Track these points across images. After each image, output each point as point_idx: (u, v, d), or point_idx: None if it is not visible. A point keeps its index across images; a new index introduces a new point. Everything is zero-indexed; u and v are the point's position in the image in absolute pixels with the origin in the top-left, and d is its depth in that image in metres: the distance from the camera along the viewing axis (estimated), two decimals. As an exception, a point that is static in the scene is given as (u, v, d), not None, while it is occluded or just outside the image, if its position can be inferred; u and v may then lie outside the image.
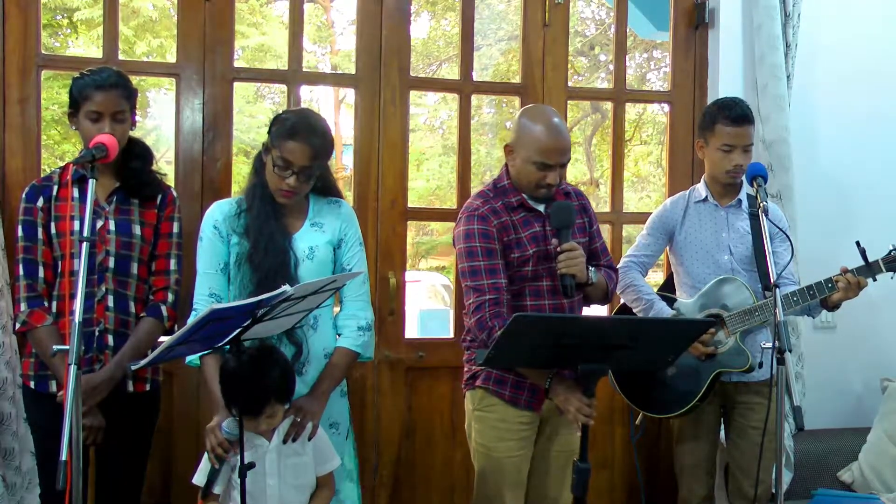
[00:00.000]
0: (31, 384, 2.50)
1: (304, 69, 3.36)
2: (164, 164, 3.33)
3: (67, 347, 2.03)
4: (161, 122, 11.67)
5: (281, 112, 2.47)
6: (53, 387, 2.46)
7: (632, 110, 12.82)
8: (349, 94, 11.45)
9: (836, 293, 2.70)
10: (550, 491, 2.62)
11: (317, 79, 6.58)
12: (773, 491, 2.63)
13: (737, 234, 2.90)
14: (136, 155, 2.55)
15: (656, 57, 13.91)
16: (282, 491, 2.24)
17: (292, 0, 3.27)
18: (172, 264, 2.56)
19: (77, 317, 2.01)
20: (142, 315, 2.51)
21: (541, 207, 2.56)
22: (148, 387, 2.55)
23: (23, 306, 2.45)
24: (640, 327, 2.27)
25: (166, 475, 3.06)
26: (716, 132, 2.86)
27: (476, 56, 5.48)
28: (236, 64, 3.83)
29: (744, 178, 2.87)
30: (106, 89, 2.42)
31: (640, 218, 3.42)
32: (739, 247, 2.88)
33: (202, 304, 2.37)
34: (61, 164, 2.65)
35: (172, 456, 3.06)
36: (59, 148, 10.30)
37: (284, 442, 2.25)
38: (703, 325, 2.42)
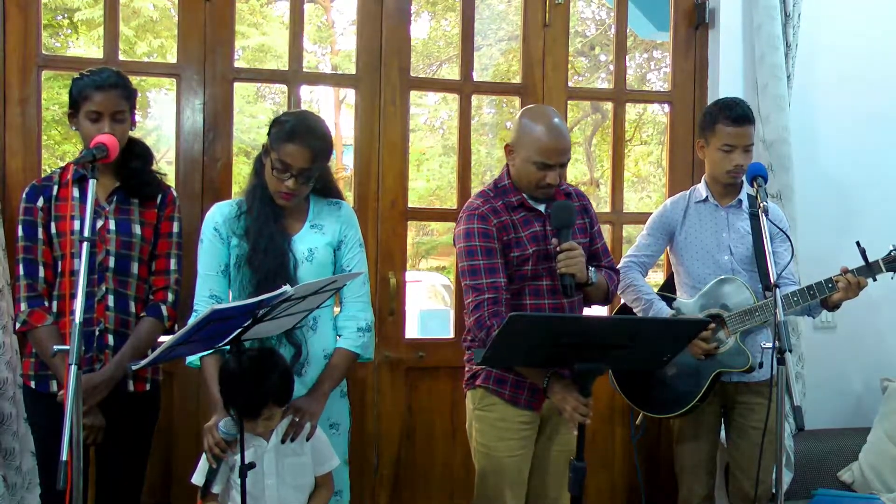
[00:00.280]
0: (32, 384, 2.50)
1: (305, 69, 3.36)
2: (165, 165, 3.34)
3: (68, 347, 2.03)
4: (161, 122, 11.68)
5: (280, 114, 2.47)
6: (54, 386, 2.46)
7: (632, 110, 12.81)
8: (349, 94, 11.45)
9: (836, 293, 2.70)
10: (551, 491, 2.63)
11: (317, 79, 6.59)
12: (774, 491, 2.63)
13: (737, 234, 2.90)
14: (137, 155, 2.55)
15: (656, 57, 13.91)
16: (280, 491, 2.25)
17: (292, 0, 3.27)
18: (172, 264, 2.56)
19: (77, 317, 2.01)
20: (142, 315, 2.51)
21: (541, 207, 2.56)
22: (148, 386, 2.55)
23: (23, 306, 2.45)
24: (637, 327, 2.27)
25: (166, 475, 3.06)
26: (716, 132, 2.86)
27: (476, 56, 5.49)
28: (237, 64, 3.83)
29: (744, 178, 2.87)
30: (105, 89, 2.42)
31: (640, 218, 3.42)
32: (740, 247, 2.88)
33: (203, 306, 2.37)
34: (62, 164, 2.66)
35: (172, 456, 3.06)
36: (60, 148, 10.30)
37: (283, 442, 2.25)
38: (698, 324, 2.42)
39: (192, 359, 2.38)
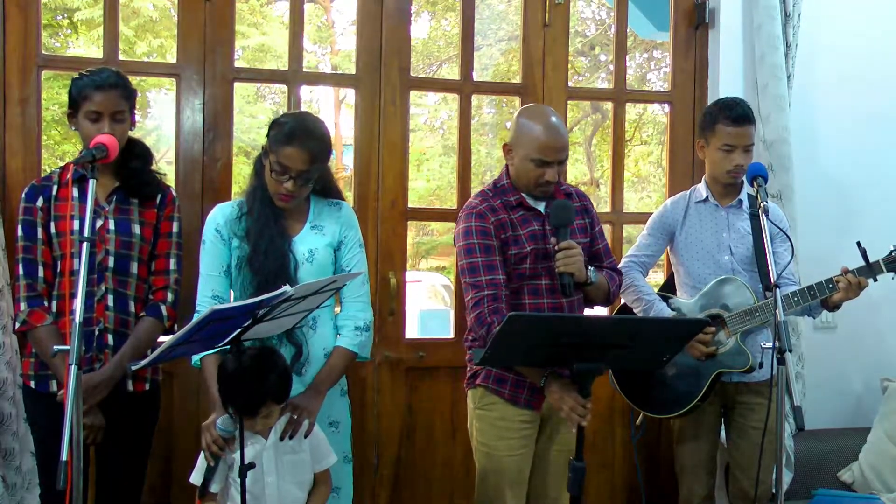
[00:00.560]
0: (32, 384, 2.50)
1: (305, 69, 3.36)
2: (165, 165, 3.33)
3: (68, 348, 2.03)
4: (161, 122, 11.68)
5: (279, 116, 2.47)
6: (54, 386, 2.46)
7: (632, 110, 12.81)
8: (349, 94, 11.45)
9: (836, 293, 2.70)
10: (550, 490, 2.63)
11: (317, 79, 6.59)
12: (774, 491, 2.63)
13: (737, 234, 2.90)
14: (136, 155, 2.56)
15: (656, 57, 13.91)
16: (280, 488, 2.25)
17: (292, 0, 3.27)
18: (172, 264, 2.56)
19: (77, 317, 2.01)
20: (141, 315, 2.51)
21: (540, 207, 2.57)
22: (148, 386, 2.55)
23: (22, 306, 2.45)
24: (635, 327, 2.27)
25: (166, 475, 3.06)
26: (717, 132, 2.86)
27: (476, 56, 5.48)
28: (236, 64, 3.83)
29: (744, 178, 2.87)
30: (105, 89, 2.43)
31: (640, 218, 3.42)
32: (740, 247, 2.88)
33: (205, 306, 2.37)
34: (61, 164, 2.66)
35: (172, 456, 3.06)
36: (60, 148, 10.30)
37: (281, 439, 2.26)
38: (698, 324, 2.42)
39: (195, 358, 2.39)
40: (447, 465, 3.34)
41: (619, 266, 2.93)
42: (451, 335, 3.40)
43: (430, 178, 14.18)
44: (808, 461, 3.36)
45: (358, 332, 2.48)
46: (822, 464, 3.39)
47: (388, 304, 3.24)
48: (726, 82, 3.47)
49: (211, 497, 2.24)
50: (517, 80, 3.63)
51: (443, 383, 3.31)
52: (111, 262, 2.46)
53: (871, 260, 2.68)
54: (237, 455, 2.10)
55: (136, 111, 2.57)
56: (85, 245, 2.06)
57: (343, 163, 13.03)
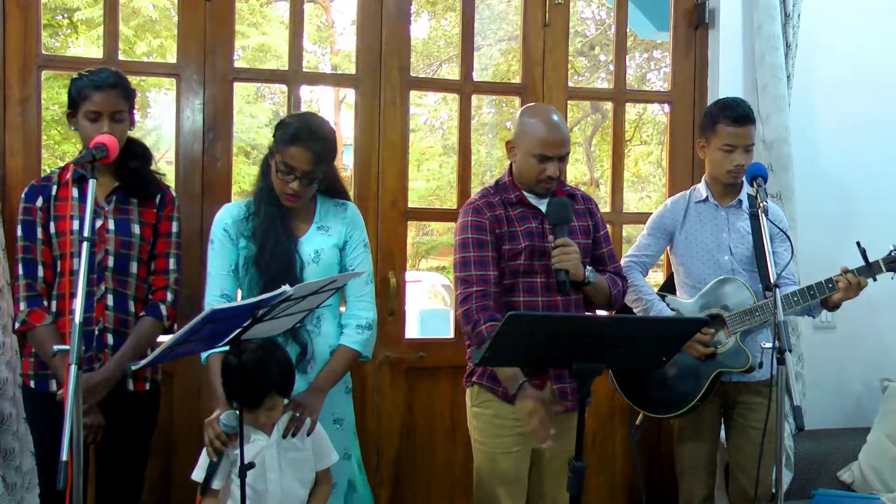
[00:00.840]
0: (31, 384, 2.50)
1: (305, 69, 3.36)
2: (165, 165, 3.34)
3: (67, 347, 2.03)
4: (161, 122, 11.69)
5: (284, 116, 2.48)
6: (53, 386, 2.46)
7: (632, 110, 12.82)
8: (349, 94, 11.45)
9: (836, 293, 2.70)
10: (549, 490, 2.62)
11: (317, 79, 6.59)
12: (774, 491, 2.63)
13: (737, 234, 2.90)
14: (136, 155, 2.56)
15: (656, 57, 13.92)
16: (283, 485, 2.25)
17: (292, 0, 3.27)
18: (171, 263, 2.56)
19: (77, 317, 2.01)
20: (141, 314, 2.51)
21: (542, 206, 2.57)
22: (147, 386, 2.55)
23: (22, 306, 2.45)
24: (634, 326, 2.26)
25: (166, 475, 3.05)
26: (717, 132, 2.86)
27: (476, 56, 5.49)
28: (236, 64, 3.83)
29: (744, 178, 2.87)
30: (104, 89, 2.43)
31: (640, 218, 3.42)
32: (740, 247, 2.88)
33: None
34: (61, 164, 2.66)
35: (173, 455, 3.06)
36: (60, 148, 10.30)
37: (284, 437, 2.26)
38: (697, 323, 2.42)
39: (203, 355, 2.39)
40: (447, 464, 3.34)
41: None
42: (451, 335, 3.40)
43: (430, 178, 14.20)
44: (808, 461, 3.36)
45: (361, 331, 2.49)
46: (822, 464, 3.39)
47: (389, 304, 3.25)
48: (726, 82, 3.47)
49: (213, 494, 2.24)
50: (517, 80, 3.63)
51: (443, 383, 3.31)
52: (111, 261, 2.47)
53: (871, 260, 2.68)
54: (240, 451, 2.11)
55: (135, 111, 2.58)
56: (85, 245, 2.06)
57: (343, 163, 13.02)
